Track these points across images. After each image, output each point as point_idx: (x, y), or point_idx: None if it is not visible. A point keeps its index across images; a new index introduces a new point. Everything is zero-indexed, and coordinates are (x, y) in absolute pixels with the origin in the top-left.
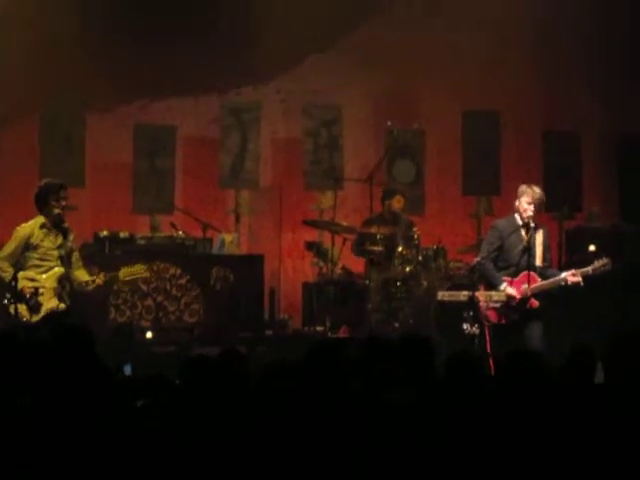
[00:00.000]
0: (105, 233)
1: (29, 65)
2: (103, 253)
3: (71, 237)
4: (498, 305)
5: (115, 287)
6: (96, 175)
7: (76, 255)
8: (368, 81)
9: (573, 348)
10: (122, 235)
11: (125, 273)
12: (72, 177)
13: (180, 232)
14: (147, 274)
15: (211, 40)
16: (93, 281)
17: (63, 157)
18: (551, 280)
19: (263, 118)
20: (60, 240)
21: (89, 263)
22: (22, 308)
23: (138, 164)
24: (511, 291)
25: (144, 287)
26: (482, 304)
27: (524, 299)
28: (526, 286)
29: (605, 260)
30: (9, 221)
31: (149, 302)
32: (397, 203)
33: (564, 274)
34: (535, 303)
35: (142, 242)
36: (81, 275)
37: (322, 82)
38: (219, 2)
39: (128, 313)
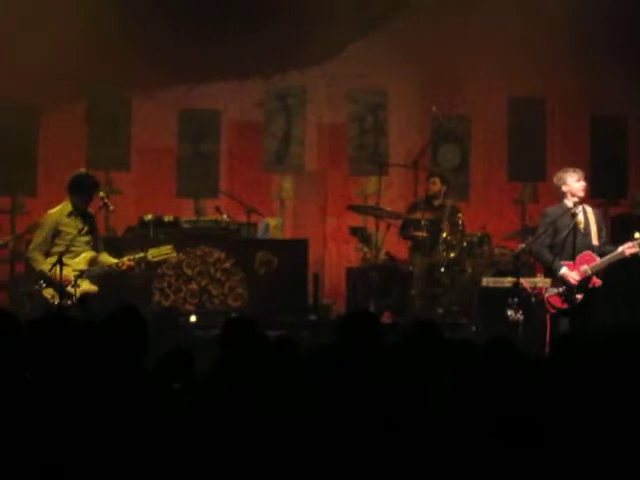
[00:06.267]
0: (150, 217)
1: (76, 50)
2: (148, 237)
3: (95, 222)
4: (562, 290)
5: (159, 271)
6: (141, 159)
7: (99, 240)
8: (413, 66)
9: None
10: (167, 219)
11: (153, 254)
12: (117, 161)
13: (225, 216)
14: (175, 254)
15: (256, 24)
16: (123, 263)
17: (109, 141)
18: (609, 256)
19: (308, 102)
20: (87, 226)
21: (133, 246)
22: (61, 292)
23: (183, 148)
24: (571, 275)
25: (188, 271)
26: (544, 291)
27: (585, 279)
28: (586, 267)
29: None
30: (55, 205)
31: (193, 286)
32: (433, 185)
33: (620, 248)
34: (597, 282)
35: (187, 226)
36: (106, 259)
37: (367, 67)
38: None
39: (172, 297)
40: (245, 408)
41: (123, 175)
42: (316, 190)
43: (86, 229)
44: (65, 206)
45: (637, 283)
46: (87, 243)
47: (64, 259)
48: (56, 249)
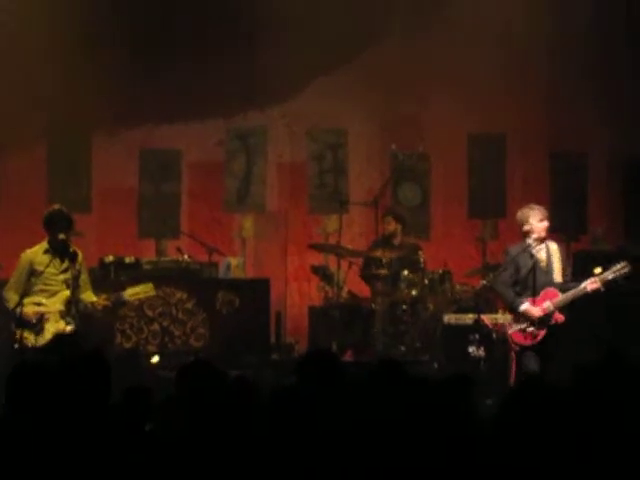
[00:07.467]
0: (111, 258)
1: (35, 91)
2: (109, 278)
3: (79, 260)
4: (524, 326)
5: (121, 312)
6: (102, 200)
7: (84, 278)
8: (373, 104)
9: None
10: (128, 260)
11: (131, 293)
12: (79, 203)
13: (186, 256)
14: (153, 292)
15: (216, 64)
16: (98, 303)
17: (70, 182)
18: (572, 292)
19: (269, 142)
20: (65, 264)
21: (95, 288)
22: (28, 333)
23: (144, 189)
24: (533, 310)
25: (150, 312)
26: (507, 328)
27: (548, 315)
28: (548, 303)
29: (623, 263)
30: (17, 247)
31: (155, 327)
32: (388, 225)
33: (583, 283)
34: (560, 317)
35: (148, 267)
36: (88, 297)
37: (327, 105)
38: (224, 27)
39: (134, 338)
40: (208, 449)
41: (84, 217)
42: (277, 229)
43: (63, 267)
44: (43, 244)
45: (599, 318)
46: (65, 282)
47: (40, 298)
48: (35, 288)
